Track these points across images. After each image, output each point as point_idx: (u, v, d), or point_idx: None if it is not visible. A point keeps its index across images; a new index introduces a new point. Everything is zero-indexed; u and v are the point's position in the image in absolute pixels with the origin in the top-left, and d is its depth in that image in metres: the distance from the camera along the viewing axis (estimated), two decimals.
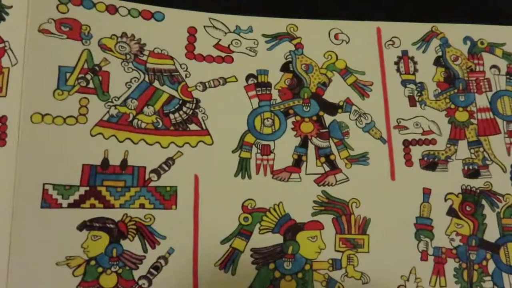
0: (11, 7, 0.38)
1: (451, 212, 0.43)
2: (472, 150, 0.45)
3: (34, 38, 0.38)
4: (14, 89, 0.37)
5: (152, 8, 0.42)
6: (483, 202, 0.44)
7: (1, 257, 0.34)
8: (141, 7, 0.42)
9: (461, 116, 0.45)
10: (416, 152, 0.44)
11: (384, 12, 0.47)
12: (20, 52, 0.37)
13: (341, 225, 0.41)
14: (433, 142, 0.44)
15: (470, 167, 0.44)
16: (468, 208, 0.43)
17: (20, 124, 0.36)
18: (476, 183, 0.44)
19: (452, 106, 0.46)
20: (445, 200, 0.43)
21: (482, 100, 0.46)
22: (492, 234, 0.43)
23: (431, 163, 0.44)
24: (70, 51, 0.39)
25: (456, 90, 0.46)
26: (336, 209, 0.41)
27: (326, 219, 0.41)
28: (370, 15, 0.46)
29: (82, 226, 0.37)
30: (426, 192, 0.43)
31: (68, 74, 0.38)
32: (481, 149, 0.45)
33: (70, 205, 0.36)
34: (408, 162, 0.43)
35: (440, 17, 0.47)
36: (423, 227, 0.42)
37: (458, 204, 0.43)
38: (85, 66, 0.39)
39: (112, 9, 0.41)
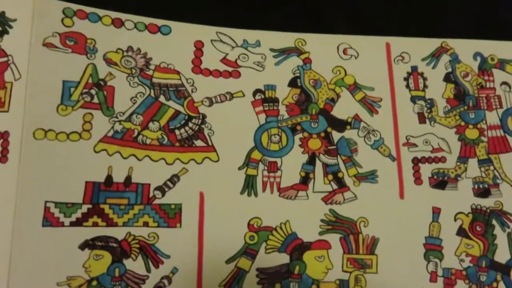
0: (15, 20, 0.37)
1: (461, 232, 0.42)
2: (483, 169, 0.44)
3: (38, 52, 0.37)
4: (17, 104, 0.36)
5: (159, 22, 0.41)
6: (494, 222, 0.43)
7: (1, 276, 0.33)
8: (147, 20, 0.41)
9: (471, 133, 0.45)
10: (426, 170, 0.43)
11: (394, 27, 0.46)
12: (23, 67, 0.36)
13: (349, 244, 0.40)
14: (442, 160, 0.44)
15: (481, 186, 0.43)
16: (478, 228, 0.42)
17: (22, 140, 0.35)
18: (487, 203, 0.43)
19: (462, 123, 0.45)
20: (455, 219, 0.42)
21: (492, 117, 0.46)
22: (502, 255, 0.42)
23: (440, 182, 0.43)
24: (74, 65, 0.38)
25: (466, 107, 0.45)
26: (344, 228, 0.41)
27: (334, 239, 0.40)
28: (379, 30, 0.46)
29: (84, 245, 0.36)
30: (436, 212, 0.42)
31: (72, 89, 0.38)
32: (492, 168, 0.44)
33: (72, 224, 0.36)
34: (418, 180, 0.43)
35: (450, 33, 0.47)
36: (433, 248, 0.41)
37: (468, 224, 0.42)
38: (90, 80, 0.38)
39: (118, 23, 0.40)
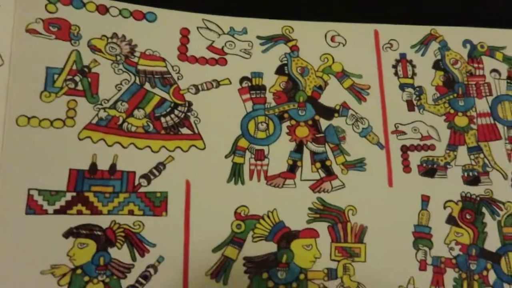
0: None
1: (450, 220, 0.42)
2: (472, 156, 0.44)
3: (21, 39, 0.37)
4: (0, 91, 0.35)
5: (144, 9, 0.41)
6: (484, 210, 0.43)
7: None
8: (132, 7, 0.41)
9: (461, 121, 0.44)
10: (415, 158, 0.43)
11: (382, 14, 0.46)
12: (6, 53, 0.36)
13: (337, 233, 0.40)
14: (432, 147, 0.43)
15: (470, 173, 0.43)
16: (468, 216, 0.42)
17: (5, 127, 0.35)
18: (476, 190, 0.43)
19: (452, 111, 0.45)
20: (444, 207, 0.42)
21: (482, 105, 0.45)
22: (492, 243, 0.42)
23: (429, 170, 0.43)
24: (58, 52, 0.38)
25: (455, 95, 0.45)
26: (332, 216, 0.40)
27: (322, 227, 0.40)
28: (368, 17, 0.45)
29: (68, 233, 0.35)
30: (425, 199, 0.42)
31: (56, 76, 0.37)
32: (481, 155, 0.44)
33: (56, 211, 0.35)
34: (406, 168, 0.42)
35: (439, 20, 0.47)
36: (422, 236, 0.41)
37: (458, 212, 0.42)
38: (74, 67, 0.38)
39: (102, 9, 0.40)
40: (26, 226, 0.34)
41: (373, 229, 0.40)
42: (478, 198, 0.43)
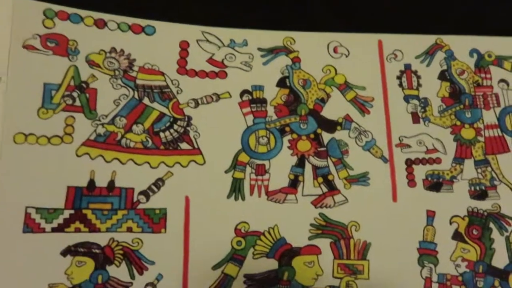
0: None
1: (456, 236, 0.41)
2: (479, 170, 0.43)
3: (18, 55, 0.36)
4: None
5: (143, 22, 0.41)
6: (491, 225, 0.41)
7: None
8: (131, 20, 0.40)
9: (468, 133, 0.43)
10: (420, 172, 0.42)
11: (386, 24, 0.45)
12: (3, 69, 0.36)
13: (339, 249, 0.39)
14: (437, 161, 0.42)
15: (477, 187, 0.42)
16: (475, 232, 0.41)
17: (2, 145, 0.35)
18: (484, 205, 0.42)
19: (458, 123, 0.44)
20: (450, 223, 0.41)
21: (489, 117, 0.44)
22: (500, 259, 0.41)
23: (435, 184, 0.42)
24: (56, 67, 0.37)
25: (462, 106, 0.44)
26: (335, 232, 0.39)
27: (324, 243, 0.39)
28: (371, 27, 0.44)
29: (66, 252, 0.35)
30: (430, 215, 0.41)
31: (53, 92, 0.37)
32: (489, 169, 0.43)
33: (53, 230, 0.35)
34: (411, 182, 0.41)
35: (445, 29, 0.46)
36: (427, 252, 0.40)
37: (464, 228, 0.41)
38: (72, 83, 0.38)
39: (100, 23, 0.40)
40: (24, 244, 0.34)
41: (377, 246, 0.40)
42: (485, 213, 0.42)
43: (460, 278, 0.40)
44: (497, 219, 0.42)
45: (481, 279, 0.40)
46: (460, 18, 0.47)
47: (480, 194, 0.42)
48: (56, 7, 0.38)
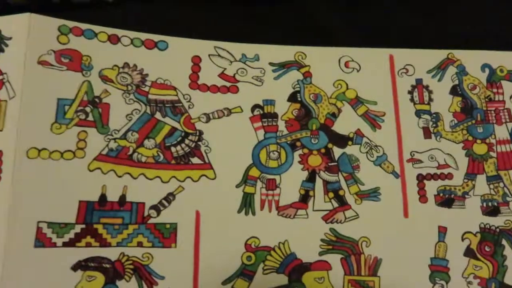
0: (10, 38, 0.37)
1: (468, 252, 0.40)
2: (492, 186, 0.42)
3: (33, 71, 0.37)
4: (11, 123, 0.35)
5: (156, 37, 0.41)
6: (504, 242, 0.41)
7: None
8: (144, 36, 0.41)
9: (480, 148, 0.43)
10: (431, 187, 0.41)
11: (397, 39, 0.45)
12: (18, 85, 0.36)
13: (350, 265, 0.39)
14: (449, 176, 0.42)
15: (489, 204, 0.42)
16: (487, 249, 0.40)
17: (15, 159, 0.35)
18: (496, 222, 0.41)
19: (470, 138, 0.43)
20: (462, 239, 0.41)
21: (502, 132, 0.44)
22: None
23: (447, 200, 0.41)
24: (69, 83, 0.38)
25: (474, 121, 0.44)
26: (345, 248, 0.39)
27: (334, 259, 0.39)
28: (382, 42, 0.44)
29: (77, 266, 0.35)
30: (442, 231, 0.40)
31: (66, 107, 0.37)
32: (501, 185, 0.42)
33: (65, 244, 0.35)
34: (423, 198, 0.41)
35: (456, 44, 0.45)
36: (439, 269, 0.40)
37: (476, 244, 0.40)
38: (85, 98, 0.38)
39: (114, 39, 0.40)
40: (35, 259, 0.34)
41: (388, 262, 0.39)
42: (497, 230, 0.41)
43: None
44: (509, 235, 0.41)
45: None
46: (471, 33, 0.47)
47: (492, 210, 0.41)
48: (71, 23, 0.38)
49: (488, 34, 0.47)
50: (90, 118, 0.38)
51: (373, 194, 0.41)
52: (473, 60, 0.45)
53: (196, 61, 0.41)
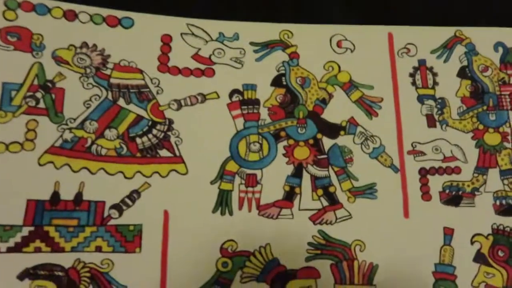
0: None
1: (479, 258, 0.37)
2: (506, 181, 0.39)
3: None
4: None
5: (119, 14, 0.38)
6: None
7: None
8: (105, 12, 0.37)
9: (492, 138, 0.40)
10: (436, 183, 0.38)
11: (397, 15, 0.41)
12: None
13: (341, 273, 0.36)
14: (456, 170, 0.39)
15: (503, 201, 0.38)
16: (500, 254, 0.37)
17: None
18: (511, 222, 0.38)
19: (481, 127, 0.40)
20: (472, 243, 0.37)
21: None
22: None
23: (454, 197, 0.38)
24: (17, 65, 0.35)
25: (485, 107, 0.40)
26: (336, 253, 0.36)
27: (323, 266, 0.36)
28: (380, 19, 0.41)
29: (24, 275, 0.32)
30: (448, 233, 0.37)
31: (13, 92, 0.34)
32: None
33: (9, 250, 0.32)
34: (426, 195, 0.38)
35: (465, 20, 0.42)
36: (444, 277, 0.36)
37: (488, 248, 0.37)
38: (35, 82, 0.35)
39: (70, 15, 0.37)
40: None
41: (385, 268, 0.36)
42: None
43: None
44: None
45: None
46: (483, 8, 0.43)
47: (506, 209, 0.38)
48: None
49: (502, 9, 0.43)
50: (42, 105, 0.35)
51: (368, 191, 0.38)
52: (485, 38, 0.42)
53: (166, 41, 0.38)
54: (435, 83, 0.40)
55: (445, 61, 0.41)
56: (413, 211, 0.37)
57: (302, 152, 0.38)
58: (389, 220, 0.37)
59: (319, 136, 0.38)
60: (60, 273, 0.32)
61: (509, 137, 0.40)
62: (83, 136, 0.35)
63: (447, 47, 0.41)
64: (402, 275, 0.36)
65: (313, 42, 0.40)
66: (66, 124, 0.35)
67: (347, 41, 0.40)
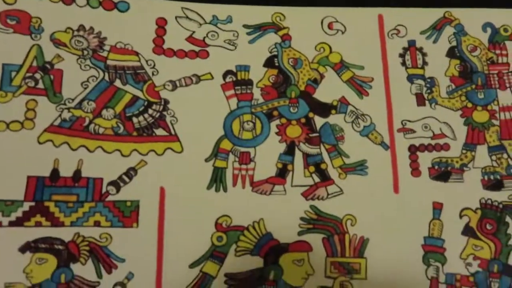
0: None
1: (467, 231, 0.37)
2: (494, 157, 0.39)
3: None
4: None
5: None
6: (507, 219, 0.37)
7: None
8: None
9: (480, 116, 0.40)
10: (425, 159, 0.38)
11: None
12: None
13: (333, 246, 0.36)
14: (445, 147, 0.39)
15: (491, 177, 0.38)
16: (488, 227, 0.37)
17: None
18: (499, 196, 0.38)
19: (469, 105, 0.40)
20: (460, 216, 0.37)
21: (505, 97, 0.40)
22: None
23: (443, 173, 0.38)
24: (16, 47, 0.35)
25: (474, 86, 0.40)
26: (327, 227, 0.36)
27: (315, 239, 0.36)
28: (370, 1, 0.41)
29: (25, 248, 0.33)
30: (437, 207, 0.37)
31: (13, 73, 0.35)
32: (505, 156, 0.39)
33: (11, 224, 0.33)
34: (415, 171, 0.38)
35: (454, 2, 0.42)
36: (433, 249, 0.36)
37: (476, 222, 0.37)
38: (34, 63, 0.35)
39: None
40: None
41: (375, 242, 0.36)
42: (500, 206, 0.37)
43: (471, 279, 0.36)
44: None
45: (496, 280, 0.36)
46: None
47: (494, 184, 0.38)
48: None
49: None
50: (40, 85, 0.35)
51: (359, 167, 0.38)
52: (473, 19, 0.42)
53: (161, 24, 0.39)
54: (425, 63, 0.40)
55: (434, 41, 0.41)
56: (403, 187, 0.37)
57: (294, 131, 0.38)
58: (380, 195, 0.37)
59: (310, 115, 0.38)
60: (60, 247, 0.33)
61: (497, 115, 0.39)
62: (81, 115, 0.35)
63: (436, 28, 0.41)
64: (391, 248, 0.36)
65: (305, 24, 0.40)
66: (65, 104, 0.35)
67: (338, 23, 0.40)
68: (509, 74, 0.40)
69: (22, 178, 0.33)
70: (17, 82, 0.35)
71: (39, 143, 0.34)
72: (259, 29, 0.40)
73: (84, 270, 0.33)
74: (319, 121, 0.38)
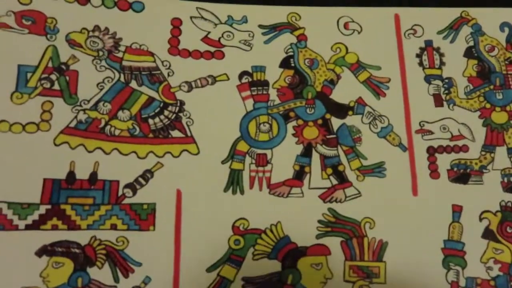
0: None
1: (487, 234, 0.37)
2: None
3: None
4: None
5: None
6: None
7: None
8: None
9: (499, 117, 0.39)
10: (444, 161, 0.38)
11: None
12: None
13: (351, 250, 0.35)
14: (464, 149, 0.38)
15: (511, 179, 0.38)
16: (509, 230, 0.37)
17: None
18: None
19: (488, 106, 0.39)
20: (480, 219, 0.37)
21: None
22: None
23: (462, 175, 0.38)
24: (32, 48, 0.35)
25: (492, 87, 0.40)
26: (346, 230, 0.36)
27: (334, 243, 0.36)
28: (387, 1, 0.41)
29: (42, 251, 0.32)
30: (456, 210, 0.37)
31: (29, 74, 0.35)
32: None
33: (28, 227, 0.32)
34: (434, 173, 0.37)
35: (471, 1, 0.41)
36: (453, 253, 0.36)
37: (497, 225, 0.37)
38: (50, 64, 0.35)
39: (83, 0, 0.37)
40: None
41: (395, 245, 0.36)
42: None
43: (492, 283, 0.36)
44: None
45: None
46: None
47: None
48: None
49: None
50: (56, 87, 0.35)
51: (377, 169, 0.37)
52: (491, 19, 0.42)
53: (176, 24, 0.38)
54: (442, 63, 0.40)
55: (451, 41, 0.40)
56: (421, 189, 0.37)
57: (311, 132, 0.37)
58: (398, 197, 0.36)
59: (327, 116, 0.38)
60: (76, 250, 0.33)
61: None
62: (97, 117, 0.35)
63: (454, 27, 0.41)
64: (411, 252, 0.35)
65: (321, 24, 0.40)
66: (80, 106, 0.35)
67: (354, 23, 0.40)
68: None
69: (38, 181, 0.33)
70: (33, 84, 0.34)
71: (55, 145, 0.34)
72: (275, 29, 0.39)
73: (101, 274, 0.33)
74: (336, 122, 0.38)
